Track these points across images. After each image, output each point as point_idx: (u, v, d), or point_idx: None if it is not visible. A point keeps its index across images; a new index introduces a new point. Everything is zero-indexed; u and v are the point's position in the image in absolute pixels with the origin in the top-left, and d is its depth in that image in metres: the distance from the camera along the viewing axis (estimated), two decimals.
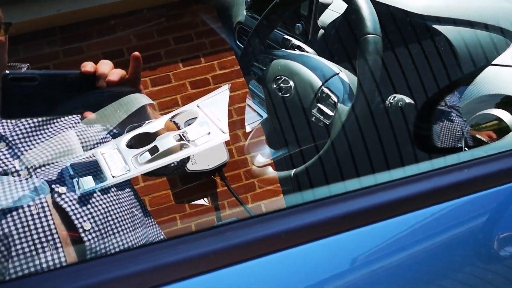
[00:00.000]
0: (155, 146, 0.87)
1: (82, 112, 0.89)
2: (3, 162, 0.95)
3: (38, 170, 0.96)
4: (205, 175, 3.09)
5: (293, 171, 1.22)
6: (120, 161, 0.87)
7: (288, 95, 1.27)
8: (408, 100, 1.11)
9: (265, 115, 1.35)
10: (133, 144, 0.89)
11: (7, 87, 0.82)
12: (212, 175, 3.12)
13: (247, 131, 1.39)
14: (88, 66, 0.90)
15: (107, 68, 0.90)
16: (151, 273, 0.52)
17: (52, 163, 0.97)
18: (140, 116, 0.92)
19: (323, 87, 1.21)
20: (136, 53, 0.93)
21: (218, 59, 3.27)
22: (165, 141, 0.88)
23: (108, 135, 1.09)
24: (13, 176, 0.94)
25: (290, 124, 1.28)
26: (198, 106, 0.94)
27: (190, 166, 2.85)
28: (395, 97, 1.13)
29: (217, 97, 0.94)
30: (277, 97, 1.29)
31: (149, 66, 3.14)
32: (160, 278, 0.52)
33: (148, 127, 0.91)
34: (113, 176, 0.85)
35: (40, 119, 1.00)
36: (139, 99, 0.90)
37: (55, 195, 0.94)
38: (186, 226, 3.03)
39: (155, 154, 0.87)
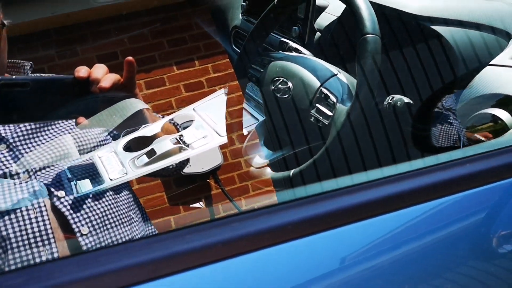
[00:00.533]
0: (152, 149, 0.88)
1: (77, 117, 0.89)
2: (4, 164, 0.95)
3: (38, 173, 0.96)
4: (199, 178, 3.10)
5: (291, 172, 1.22)
6: (117, 164, 0.88)
7: (286, 96, 1.27)
8: (407, 100, 1.12)
9: (261, 119, 1.36)
10: (130, 147, 0.90)
11: None
12: (206, 177, 3.12)
13: (243, 134, 1.39)
14: (81, 71, 0.88)
15: (100, 73, 0.89)
16: (161, 261, 0.53)
17: (52, 166, 0.98)
18: (137, 119, 0.92)
19: (321, 88, 1.21)
20: (130, 57, 0.92)
21: (212, 62, 3.27)
22: (162, 144, 0.88)
23: (109, 137, 1.08)
24: (13, 179, 0.94)
25: (288, 125, 1.29)
26: (194, 110, 0.94)
27: (185, 169, 2.85)
28: (393, 97, 1.14)
29: (214, 101, 0.95)
30: (275, 99, 1.29)
31: (143, 68, 3.14)
32: (170, 267, 0.53)
33: (145, 131, 0.92)
34: (110, 179, 0.86)
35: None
36: (134, 104, 0.90)
37: (54, 199, 0.94)
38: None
39: (152, 157, 0.87)
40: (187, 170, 2.94)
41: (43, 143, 0.99)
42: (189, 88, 3.23)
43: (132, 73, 0.93)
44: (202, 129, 0.91)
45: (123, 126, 0.89)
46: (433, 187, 0.69)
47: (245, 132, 1.38)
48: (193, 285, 0.54)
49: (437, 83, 1.22)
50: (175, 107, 3.14)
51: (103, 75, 0.89)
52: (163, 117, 1.19)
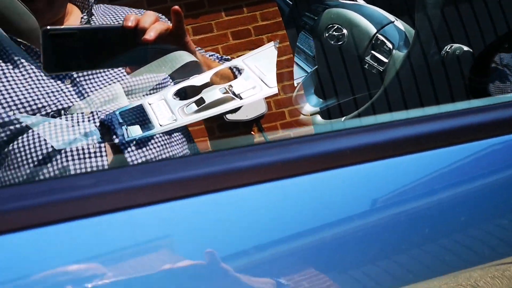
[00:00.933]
0: (202, 97, 0.89)
1: (125, 67, 0.89)
2: (69, 99, 0.98)
3: (100, 109, 0.98)
4: (243, 125, 3.13)
5: (343, 118, 1.23)
6: (167, 111, 0.90)
7: (341, 43, 1.26)
8: (466, 48, 1.10)
9: (310, 71, 1.35)
10: (180, 95, 0.91)
11: (47, 42, 0.82)
12: (250, 125, 3.15)
13: (290, 85, 1.40)
14: (129, 21, 0.86)
15: (148, 23, 0.87)
16: (222, 175, 0.55)
17: (112, 106, 1.00)
18: (189, 69, 0.92)
19: (378, 34, 1.20)
20: (176, 7, 0.91)
21: (260, 10, 3.23)
22: (211, 93, 0.90)
23: (168, 77, 1.09)
24: (77, 114, 0.97)
25: (341, 72, 1.28)
26: (243, 62, 0.95)
27: (229, 115, 2.88)
28: (452, 45, 1.12)
29: (263, 53, 0.95)
30: (329, 46, 1.28)
31: (191, 14, 3.14)
32: (230, 181, 0.54)
33: (194, 81, 0.93)
34: (160, 125, 0.88)
35: None
36: (184, 57, 0.90)
37: (113, 136, 0.97)
38: None
39: (201, 106, 0.89)
40: (231, 116, 2.97)
41: (105, 80, 1.02)
42: (237, 36, 3.21)
43: (180, 23, 0.92)
44: (252, 80, 0.92)
45: (175, 75, 0.90)
46: (495, 124, 0.67)
47: (294, 84, 1.38)
48: (251, 200, 0.56)
49: (495, 32, 1.19)
50: (222, 54, 3.14)
51: (150, 25, 0.87)
52: (221, 57, 1.20)
